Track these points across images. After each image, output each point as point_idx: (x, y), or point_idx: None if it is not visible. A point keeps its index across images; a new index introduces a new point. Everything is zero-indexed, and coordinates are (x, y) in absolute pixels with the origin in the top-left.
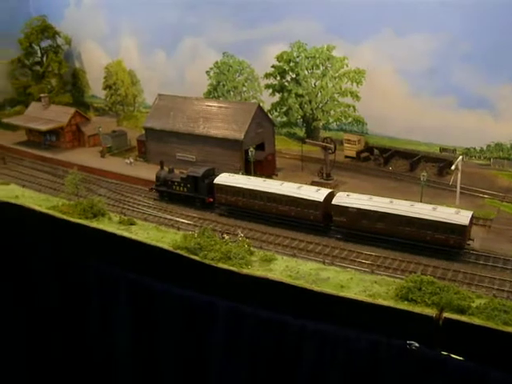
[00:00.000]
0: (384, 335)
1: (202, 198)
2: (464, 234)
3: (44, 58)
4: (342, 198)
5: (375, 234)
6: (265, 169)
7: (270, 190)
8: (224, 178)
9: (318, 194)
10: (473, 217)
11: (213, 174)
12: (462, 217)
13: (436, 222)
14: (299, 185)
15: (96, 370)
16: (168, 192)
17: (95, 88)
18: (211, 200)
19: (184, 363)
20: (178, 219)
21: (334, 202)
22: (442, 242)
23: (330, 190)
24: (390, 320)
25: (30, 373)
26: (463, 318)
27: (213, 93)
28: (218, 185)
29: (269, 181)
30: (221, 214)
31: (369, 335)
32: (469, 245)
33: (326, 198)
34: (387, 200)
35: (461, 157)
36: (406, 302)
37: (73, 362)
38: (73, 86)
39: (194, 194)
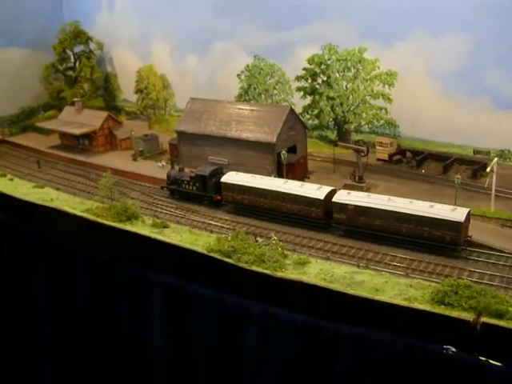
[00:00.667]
0: (420, 339)
1: (210, 196)
2: (460, 231)
3: (77, 63)
4: (342, 196)
5: (374, 231)
6: (297, 172)
7: (273, 188)
8: (230, 177)
9: (319, 191)
10: (469, 214)
11: (221, 172)
12: (458, 214)
13: (432, 219)
14: (302, 183)
15: (130, 372)
16: (178, 190)
17: (127, 92)
18: (219, 198)
19: (217, 366)
20: (210, 222)
21: (334, 199)
22: (438, 239)
23: (331, 188)
24: (426, 324)
25: (66, 375)
26: (502, 323)
27: (244, 96)
28: (225, 183)
29: (273, 179)
30: (229, 211)
31: (404, 339)
32: (466, 242)
33: (326, 196)
34: (385, 197)
35: (496, 159)
36: (442, 306)
37: (107, 364)
38: (105, 91)
39: (203, 192)
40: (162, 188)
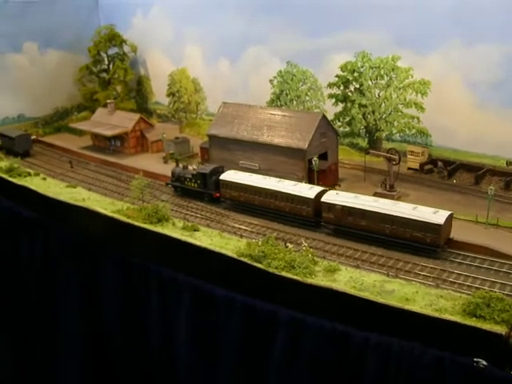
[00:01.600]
0: (450, 351)
1: (210, 193)
2: (439, 233)
3: (111, 66)
4: (331, 196)
5: (359, 231)
6: (327, 178)
7: (268, 187)
8: (228, 175)
9: (310, 191)
10: (451, 217)
11: (221, 171)
12: (438, 216)
13: (414, 221)
14: (295, 183)
15: (155, 373)
16: (181, 187)
17: (159, 95)
18: (218, 195)
19: (242, 370)
20: (240, 226)
21: (322, 199)
22: (419, 240)
23: (322, 189)
24: (456, 336)
25: (92, 375)
26: None
27: (275, 101)
28: (223, 181)
29: (268, 178)
30: (227, 207)
31: (434, 350)
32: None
33: (317, 196)
34: (372, 199)
35: None
36: (473, 318)
37: (132, 364)
38: (137, 93)
39: (203, 189)
40: (167, 185)
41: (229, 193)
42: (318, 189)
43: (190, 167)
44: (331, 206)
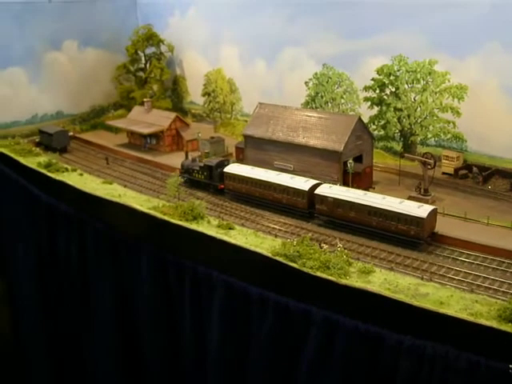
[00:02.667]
0: (484, 356)
1: (215, 185)
2: (423, 226)
3: (147, 65)
4: (324, 189)
5: (349, 222)
6: (362, 181)
7: (266, 179)
8: (232, 168)
9: (305, 184)
10: (435, 211)
11: (227, 164)
12: (422, 210)
13: (399, 214)
14: (292, 176)
15: (186, 370)
16: (189, 178)
17: (194, 94)
18: (222, 187)
19: (273, 369)
20: (275, 226)
21: (316, 191)
22: (403, 233)
23: (317, 182)
24: (491, 341)
25: (123, 370)
26: None
27: (310, 103)
28: (227, 173)
29: (268, 171)
30: (231, 199)
31: (468, 355)
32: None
33: (311, 188)
34: (362, 192)
35: None
36: (510, 324)
37: (165, 361)
38: (172, 92)
39: (209, 180)
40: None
41: (232, 184)
42: (312, 182)
43: (189, 157)
44: (323, 198)
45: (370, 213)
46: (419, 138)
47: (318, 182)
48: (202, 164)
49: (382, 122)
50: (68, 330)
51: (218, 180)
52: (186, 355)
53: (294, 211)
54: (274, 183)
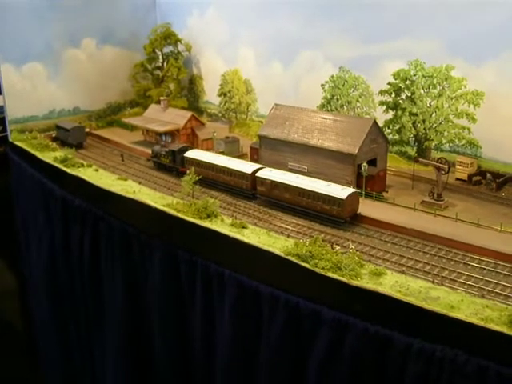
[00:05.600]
0: (494, 362)
1: (177, 168)
2: (344, 207)
3: (165, 64)
4: (264, 172)
5: (284, 202)
6: (376, 184)
7: (218, 163)
8: (192, 153)
9: (249, 167)
10: (355, 194)
11: (190, 149)
12: (344, 192)
13: (323, 195)
14: (241, 160)
15: (196, 368)
16: (157, 162)
17: (210, 94)
18: (183, 170)
19: (282, 368)
20: (287, 227)
21: (257, 174)
22: (327, 212)
23: (258, 166)
24: (501, 347)
25: (133, 368)
26: None
27: (326, 106)
28: (187, 157)
29: (221, 156)
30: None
31: (477, 359)
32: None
33: (253, 172)
34: (295, 176)
35: None
36: None
37: (174, 359)
38: (189, 91)
39: (173, 164)
40: (148, 160)
41: (190, 168)
42: (255, 166)
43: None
44: (263, 181)
45: (300, 194)
46: (434, 144)
47: (260, 166)
48: (167, 149)
49: (397, 127)
50: (79, 323)
51: (179, 164)
52: (195, 352)
53: (240, 192)
54: (224, 167)
